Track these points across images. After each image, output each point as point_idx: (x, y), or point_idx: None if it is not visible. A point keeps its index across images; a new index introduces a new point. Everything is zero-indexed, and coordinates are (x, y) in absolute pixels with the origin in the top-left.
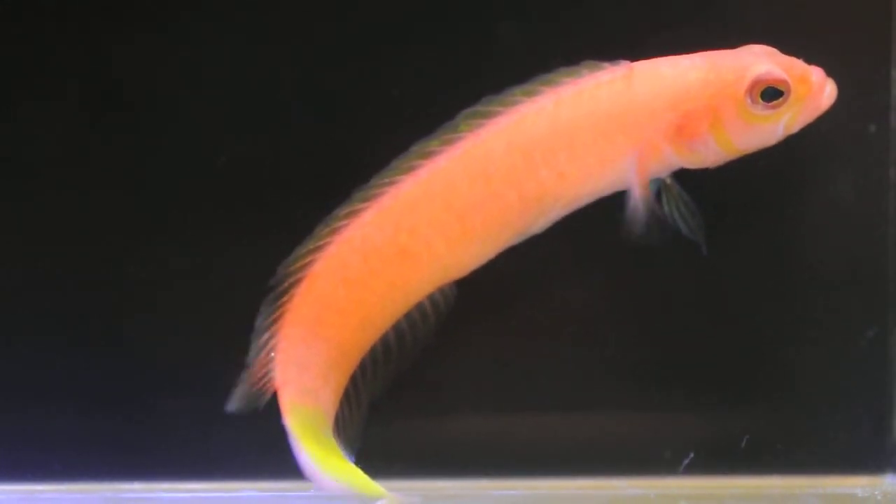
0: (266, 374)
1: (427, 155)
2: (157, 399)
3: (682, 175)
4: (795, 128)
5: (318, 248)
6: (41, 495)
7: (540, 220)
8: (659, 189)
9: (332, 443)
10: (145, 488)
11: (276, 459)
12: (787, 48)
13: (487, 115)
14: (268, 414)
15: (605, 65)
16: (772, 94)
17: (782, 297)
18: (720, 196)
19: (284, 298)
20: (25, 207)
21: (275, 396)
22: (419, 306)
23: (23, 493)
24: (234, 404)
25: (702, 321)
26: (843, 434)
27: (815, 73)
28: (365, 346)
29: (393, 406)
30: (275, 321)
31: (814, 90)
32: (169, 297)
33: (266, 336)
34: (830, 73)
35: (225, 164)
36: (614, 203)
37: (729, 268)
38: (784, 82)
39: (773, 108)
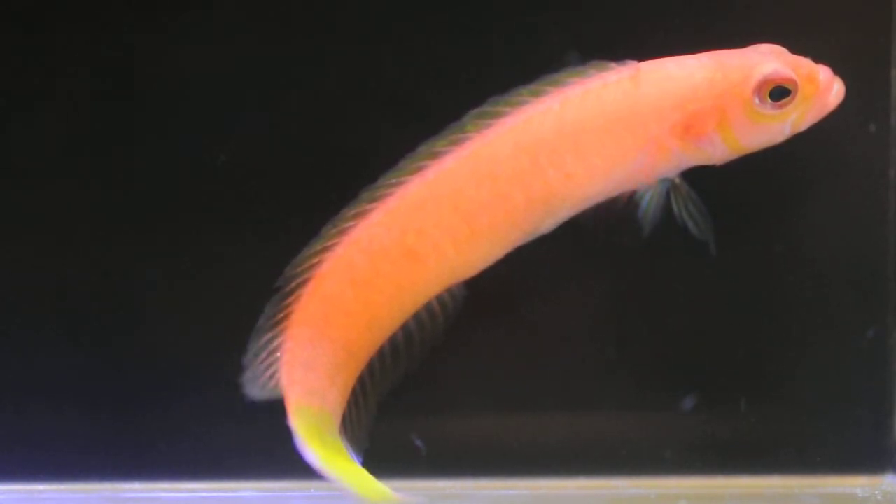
0: (271, 375)
1: (434, 155)
2: (157, 399)
3: (689, 174)
4: (803, 126)
5: (325, 249)
6: (41, 495)
7: (547, 221)
8: (668, 189)
9: (339, 444)
10: (145, 488)
11: (277, 459)
12: (787, 48)
13: (494, 116)
14: (268, 413)
15: (612, 65)
16: (779, 93)
17: (782, 297)
18: (717, 196)
19: (291, 299)
20: (25, 206)
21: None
22: (427, 307)
23: (23, 493)
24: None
25: (701, 321)
26: (843, 434)
27: (823, 72)
28: (372, 347)
29: (398, 406)
30: (281, 321)
31: (821, 89)
32: (171, 297)
33: (271, 336)
34: None
35: (230, 163)
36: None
37: (728, 268)
38: (792, 81)
39: (781, 107)
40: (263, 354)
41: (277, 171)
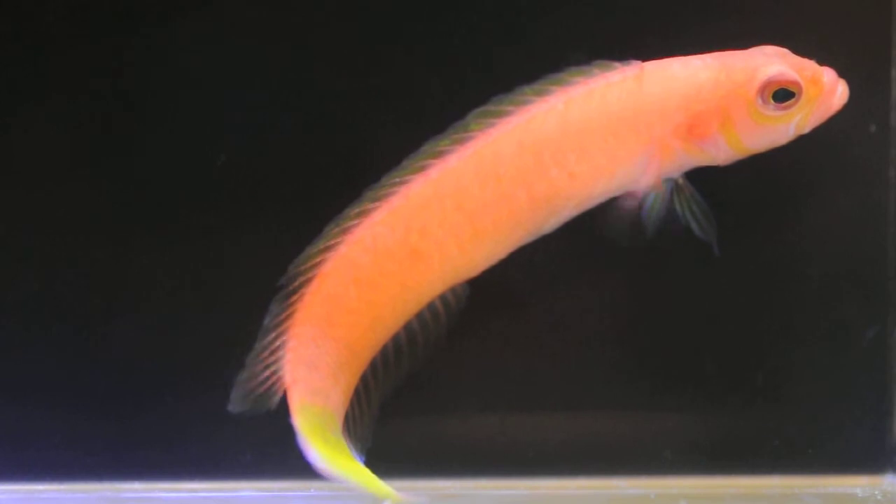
0: (274, 373)
1: (438, 154)
2: (157, 399)
3: (692, 174)
4: (807, 128)
5: (329, 248)
6: (41, 495)
7: (551, 221)
8: (671, 189)
9: (341, 443)
10: (145, 488)
11: (276, 459)
12: (787, 48)
13: (498, 115)
14: (268, 413)
15: (616, 64)
16: (783, 95)
17: (782, 297)
18: (717, 196)
19: (294, 298)
20: (24, 207)
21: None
22: (430, 306)
23: (23, 493)
24: (238, 406)
25: (701, 321)
26: (843, 434)
27: (827, 74)
28: (376, 346)
29: (399, 405)
30: (285, 320)
31: (825, 91)
32: (172, 297)
33: (275, 335)
34: None
35: (230, 163)
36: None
37: (728, 268)
38: (796, 83)
39: (785, 108)
40: (266, 353)
41: (278, 171)
